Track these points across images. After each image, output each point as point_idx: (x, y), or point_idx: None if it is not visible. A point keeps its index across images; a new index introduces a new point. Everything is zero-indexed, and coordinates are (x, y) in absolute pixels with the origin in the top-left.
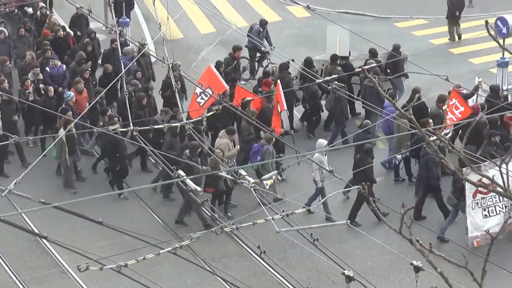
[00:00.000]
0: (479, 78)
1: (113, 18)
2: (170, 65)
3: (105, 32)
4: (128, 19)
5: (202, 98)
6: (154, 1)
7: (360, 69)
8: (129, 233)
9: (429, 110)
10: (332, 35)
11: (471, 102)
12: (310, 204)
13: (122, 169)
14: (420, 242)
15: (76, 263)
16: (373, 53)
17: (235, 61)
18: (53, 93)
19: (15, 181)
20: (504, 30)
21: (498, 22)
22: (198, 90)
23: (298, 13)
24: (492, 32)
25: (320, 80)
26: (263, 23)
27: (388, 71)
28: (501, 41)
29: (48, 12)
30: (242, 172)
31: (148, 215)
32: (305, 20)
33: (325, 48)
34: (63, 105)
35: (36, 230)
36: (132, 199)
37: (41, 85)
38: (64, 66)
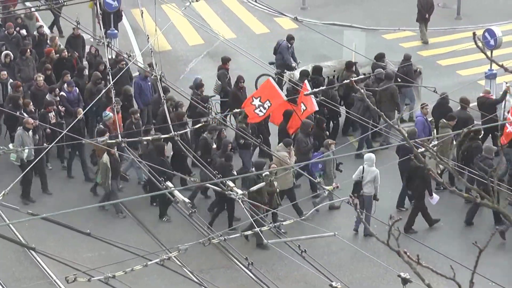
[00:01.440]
0: (507, 83)
1: (101, 29)
2: (158, 77)
3: (93, 44)
4: (116, 31)
5: (260, 111)
6: (142, 13)
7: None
8: (117, 244)
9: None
10: (348, 41)
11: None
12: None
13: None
14: (408, 254)
15: (64, 275)
16: (380, 58)
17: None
18: (73, 114)
19: (3, 192)
20: (492, 42)
21: (486, 34)
22: (256, 102)
23: (286, 25)
24: (480, 44)
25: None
26: (290, 38)
27: (399, 80)
28: (488, 53)
29: (45, 31)
30: (230, 183)
31: (136, 226)
32: (293, 32)
33: (312, 59)
34: (100, 125)
35: (24, 241)
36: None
37: (61, 107)
38: (77, 89)
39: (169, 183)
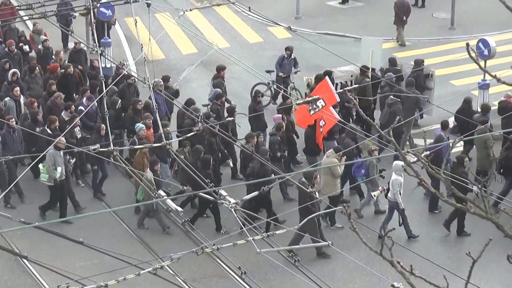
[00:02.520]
0: None
1: (94, 38)
2: (151, 85)
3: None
4: (109, 39)
5: (314, 109)
6: (136, 22)
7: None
8: (110, 253)
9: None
10: (366, 46)
11: None
12: (386, 225)
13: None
14: (401, 264)
15: (56, 283)
16: (392, 63)
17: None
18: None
19: None
20: (486, 52)
21: (480, 44)
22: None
23: (280, 34)
24: (473, 54)
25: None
26: (287, 49)
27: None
28: (482, 63)
29: (50, 45)
30: (223, 192)
31: (128, 235)
32: (286, 41)
33: (305, 69)
34: (134, 138)
35: (16, 250)
36: (113, 220)
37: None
38: (96, 103)
39: (161, 192)
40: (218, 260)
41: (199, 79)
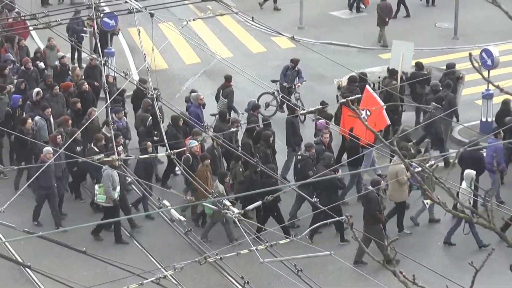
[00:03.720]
0: None
1: (98, 48)
2: (155, 95)
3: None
4: (112, 49)
5: (364, 119)
6: (140, 31)
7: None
8: (113, 262)
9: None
10: (396, 50)
11: None
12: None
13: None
14: (404, 273)
15: None
16: (419, 66)
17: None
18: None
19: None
20: (489, 62)
21: (483, 54)
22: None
23: (283, 44)
24: (476, 64)
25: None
26: (292, 61)
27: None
28: (485, 73)
29: (67, 61)
30: (227, 202)
31: (132, 245)
32: (290, 51)
33: (308, 78)
34: (187, 155)
35: (20, 259)
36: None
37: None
38: (125, 118)
39: (165, 202)
40: (221, 270)
41: (202, 89)
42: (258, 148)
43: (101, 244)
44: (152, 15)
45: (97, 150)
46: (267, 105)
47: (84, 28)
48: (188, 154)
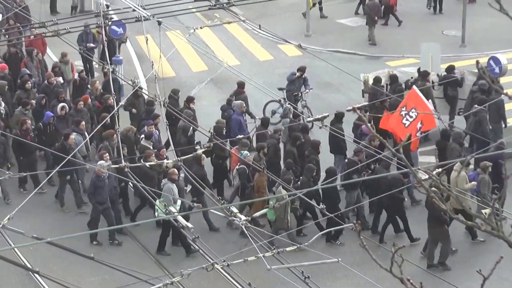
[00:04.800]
0: None
1: (106, 56)
2: (162, 103)
3: (98, 70)
4: (120, 57)
5: (407, 120)
6: (147, 39)
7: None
8: (121, 268)
9: None
10: (425, 52)
11: None
12: None
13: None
14: (411, 281)
15: None
16: (450, 69)
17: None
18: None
19: (8, 216)
20: (497, 70)
21: (491, 62)
22: (403, 112)
23: (290, 52)
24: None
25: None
26: (298, 69)
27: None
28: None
29: (84, 75)
30: (234, 209)
31: (139, 251)
32: (297, 59)
33: (315, 86)
34: (243, 166)
35: (28, 265)
36: (123, 235)
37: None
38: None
39: (172, 208)
40: (228, 276)
41: (209, 97)
42: (308, 156)
43: (109, 250)
44: (159, 23)
45: (148, 166)
46: (274, 113)
47: (92, 45)
48: (243, 166)
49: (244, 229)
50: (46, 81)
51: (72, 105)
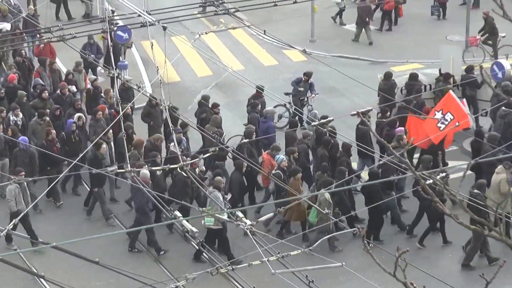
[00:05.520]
0: None
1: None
2: (167, 107)
3: (103, 75)
4: (126, 62)
5: (442, 123)
6: (152, 44)
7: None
8: (126, 273)
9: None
10: (446, 54)
11: None
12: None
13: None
14: (415, 285)
15: None
16: (469, 69)
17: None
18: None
19: (13, 221)
20: (500, 75)
21: (494, 67)
22: (438, 116)
23: (295, 57)
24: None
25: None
26: (305, 74)
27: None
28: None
29: (97, 84)
30: (239, 214)
31: (144, 255)
32: (301, 64)
33: (320, 91)
34: (278, 171)
35: (34, 270)
36: (128, 239)
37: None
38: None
39: (177, 213)
40: (233, 280)
41: (214, 101)
42: (339, 158)
43: (114, 255)
44: (165, 28)
45: (185, 174)
46: (280, 117)
47: (92, 56)
48: (279, 170)
49: (249, 233)
50: (58, 91)
51: (86, 114)
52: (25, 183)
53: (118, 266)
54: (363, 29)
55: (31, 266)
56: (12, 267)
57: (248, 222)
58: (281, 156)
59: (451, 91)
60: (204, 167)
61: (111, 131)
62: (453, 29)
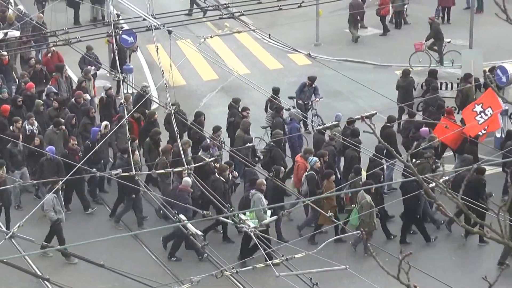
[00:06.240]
0: None
1: (117, 64)
2: (173, 111)
3: (109, 79)
4: (131, 66)
5: (481, 117)
6: (158, 48)
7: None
8: (130, 276)
9: None
10: (467, 58)
11: None
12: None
13: None
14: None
15: None
16: (490, 71)
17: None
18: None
19: (18, 224)
20: (504, 79)
21: (498, 71)
22: (478, 109)
23: (300, 61)
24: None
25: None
26: (309, 78)
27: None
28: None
29: (111, 92)
30: (243, 216)
31: (149, 258)
32: (306, 68)
33: (325, 95)
34: (312, 172)
35: (38, 272)
36: (133, 242)
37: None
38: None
39: (182, 216)
40: (237, 283)
41: (219, 105)
42: (373, 161)
43: (119, 258)
44: (170, 32)
45: (223, 179)
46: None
47: (93, 68)
48: (312, 172)
49: (253, 236)
50: (73, 100)
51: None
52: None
53: (123, 269)
54: (353, 26)
55: (36, 269)
56: (17, 269)
57: (252, 224)
58: (314, 158)
59: (492, 86)
60: (236, 173)
61: (137, 140)
62: (457, 33)
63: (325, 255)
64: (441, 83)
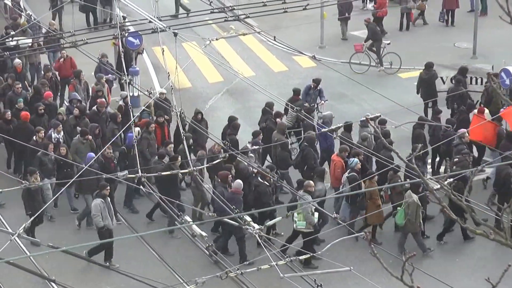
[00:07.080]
0: None
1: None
2: (178, 114)
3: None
4: (137, 68)
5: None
6: (163, 51)
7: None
8: (136, 277)
9: None
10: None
11: None
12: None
13: None
14: None
15: None
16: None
17: None
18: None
19: (24, 225)
20: (508, 82)
21: (502, 74)
22: None
23: (304, 63)
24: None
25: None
26: (314, 80)
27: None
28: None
29: (129, 100)
30: (247, 218)
31: (154, 259)
32: (311, 70)
33: (329, 97)
34: (353, 173)
35: (44, 274)
36: (139, 244)
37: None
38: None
39: (187, 217)
40: (242, 284)
41: (225, 108)
42: (409, 161)
43: (124, 259)
44: (175, 34)
45: (267, 183)
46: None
47: (110, 76)
48: (354, 173)
49: (258, 237)
50: (95, 109)
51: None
52: (109, 199)
53: (128, 270)
54: (345, 24)
55: (42, 270)
56: (23, 270)
57: (256, 226)
58: (355, 159)
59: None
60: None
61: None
62: (461, 36)
63: (329, 257)
64: (471, 78)
